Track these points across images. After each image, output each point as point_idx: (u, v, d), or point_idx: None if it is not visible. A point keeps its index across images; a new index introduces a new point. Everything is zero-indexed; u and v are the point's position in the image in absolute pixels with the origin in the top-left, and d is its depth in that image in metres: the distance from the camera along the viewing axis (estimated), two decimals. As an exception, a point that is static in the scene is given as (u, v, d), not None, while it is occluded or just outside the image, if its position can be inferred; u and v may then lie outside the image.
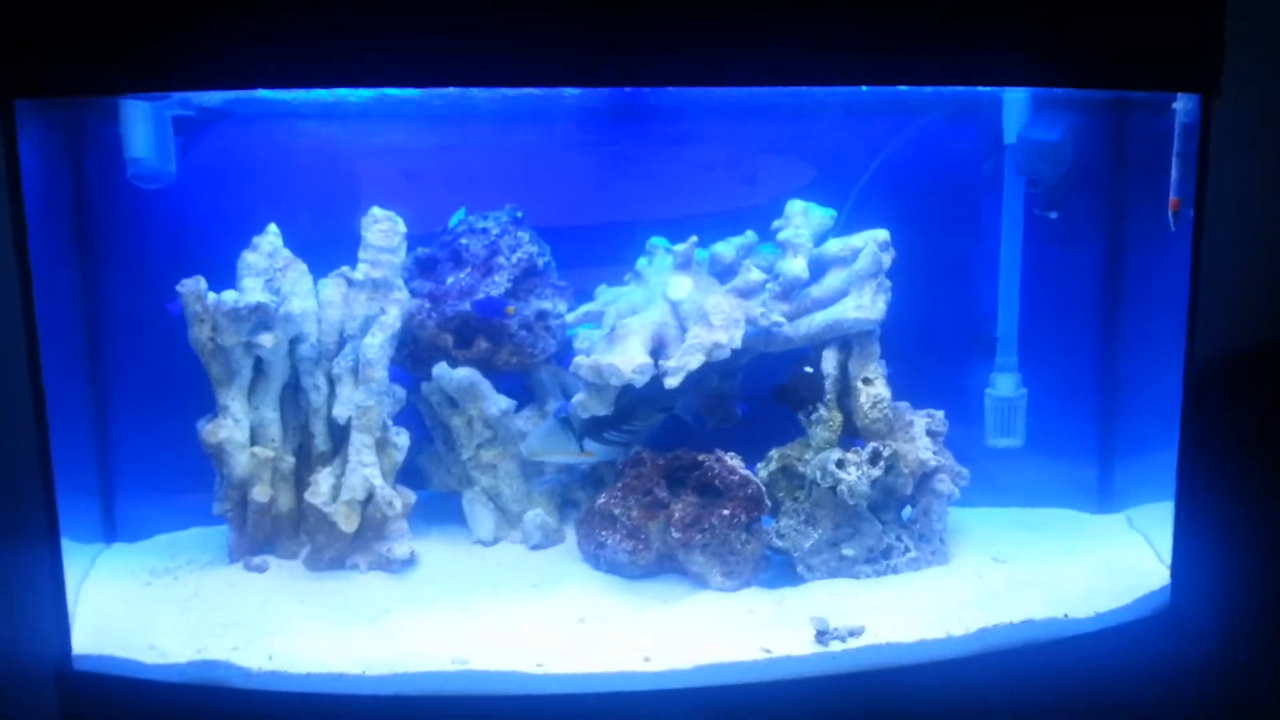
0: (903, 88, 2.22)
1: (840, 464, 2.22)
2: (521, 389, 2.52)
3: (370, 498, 2.30)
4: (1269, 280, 2.16)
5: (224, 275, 2.28)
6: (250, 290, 2.26)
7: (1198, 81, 1.98)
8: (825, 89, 2.22)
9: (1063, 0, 1.88)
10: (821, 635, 1.99)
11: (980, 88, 2.27)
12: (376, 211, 2.33)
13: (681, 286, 2.35)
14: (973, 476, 2.40)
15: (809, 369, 2.36)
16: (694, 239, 2.37)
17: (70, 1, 1.72)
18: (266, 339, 2.26)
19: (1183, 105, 2.12)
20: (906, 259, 2.38)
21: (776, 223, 2.40)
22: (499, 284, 2.42)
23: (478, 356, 2.43)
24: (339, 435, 2.37)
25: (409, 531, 2.33)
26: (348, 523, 2.29)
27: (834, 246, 2.40)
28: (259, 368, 2.33)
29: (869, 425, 2.33)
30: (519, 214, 2.50)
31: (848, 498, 2.21)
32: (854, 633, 2.01)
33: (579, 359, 2.32)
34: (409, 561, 2.32)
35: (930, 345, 2.53)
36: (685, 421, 2.46)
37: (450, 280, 2.45)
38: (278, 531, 2.37)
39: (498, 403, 2.44)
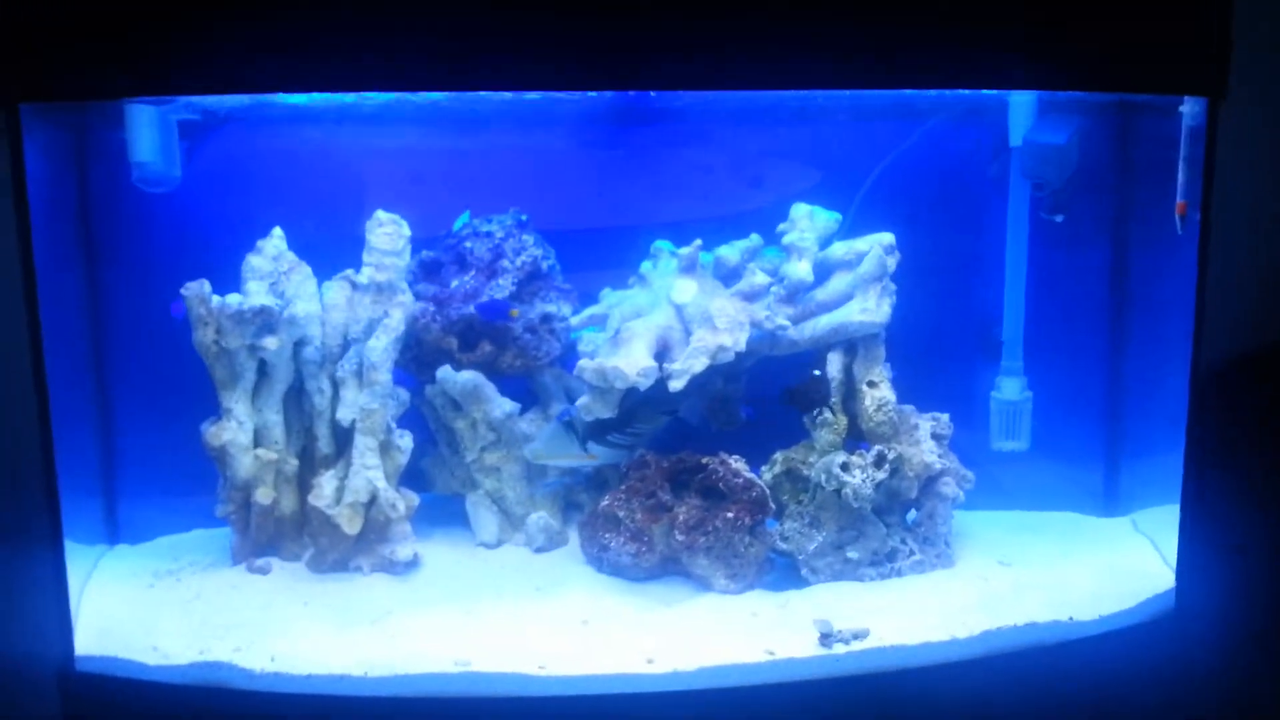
0: (905, 91, 2.21)
1: (845, 467, 2.22)
2: (525, 392, 2.52)
3: (373, 500, 2.30)
4: (1276, 284, 2.15)
5: (228, 279, 2.29)
6: (255, 293, 2.26)
7: (1203, 84, 1.97)
8: (829, 92, 2.22)
9: (1067, 2, 1.88)
10: (825, 638, 1.99)
11: (984, 90, 2.26)
12: (381, 215, 2.33)
13: (686, 290, 2.35)
14: (978, 479, 2.39)
15: (818, 372, 2.36)
16: (698, 242, 2.37)
17: (74, 5, 1.72)
18: (271, 342, 2.26)
19: (1189, 108, 2.11)
20: (912, 262, 2.38)
21: (781, 226, 2.40)
22: (503, 287, 2.42)
23: (482, 359, 2.43)
24: (343, 438, 2.37)
25: (412, 534, 2.33)
26: (351, 525, 2.29)
27: (839, 250, 2.40)
28: (263, 370, 2.33)
29: (874, 428, 2.32)
30: (523, 217, 2.50)
31: (852, 501, 2.20)
32: (858, 635, 2.00)
33: (583, 362, 2.32)
34: (412, 564, 2.32)
35: (935, 348, 2.53)
36: (689, 424, 2.46)
37: (455, 283, 2.45)
38: (281, 534, 2.37)
39: (502, 406, 2.44)
